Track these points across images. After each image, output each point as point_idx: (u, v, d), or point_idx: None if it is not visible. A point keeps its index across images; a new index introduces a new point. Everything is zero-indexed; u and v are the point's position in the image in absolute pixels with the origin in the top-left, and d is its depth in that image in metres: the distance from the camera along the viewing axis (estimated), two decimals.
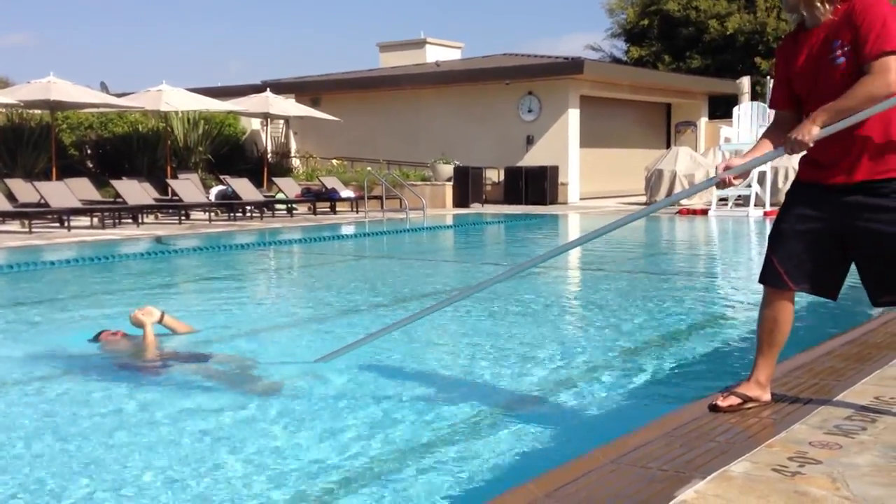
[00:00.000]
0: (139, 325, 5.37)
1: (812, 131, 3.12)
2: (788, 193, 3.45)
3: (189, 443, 3.69)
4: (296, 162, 25.61)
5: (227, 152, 23.82)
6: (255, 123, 24.83)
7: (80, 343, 5.54)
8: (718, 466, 2.76)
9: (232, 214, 17.29)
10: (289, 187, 19.07)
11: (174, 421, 3.96)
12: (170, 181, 17.61)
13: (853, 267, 3.32)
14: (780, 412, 3.34)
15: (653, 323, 6.41)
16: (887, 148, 3.14)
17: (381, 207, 18.78)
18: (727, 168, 3.40)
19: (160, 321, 5.47)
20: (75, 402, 4.40)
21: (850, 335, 4.78)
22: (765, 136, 3.46)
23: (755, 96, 21.86)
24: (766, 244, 3.41)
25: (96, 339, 5.49)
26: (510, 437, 3.69)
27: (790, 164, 17.25)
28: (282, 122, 25.53)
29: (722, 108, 27.20)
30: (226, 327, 6.36)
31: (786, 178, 17.69)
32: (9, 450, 3.63)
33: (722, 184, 3.40)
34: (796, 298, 3.45)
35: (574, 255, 12.62)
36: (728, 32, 30.32)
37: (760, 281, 3.42)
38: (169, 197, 17.27)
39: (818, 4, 3.19)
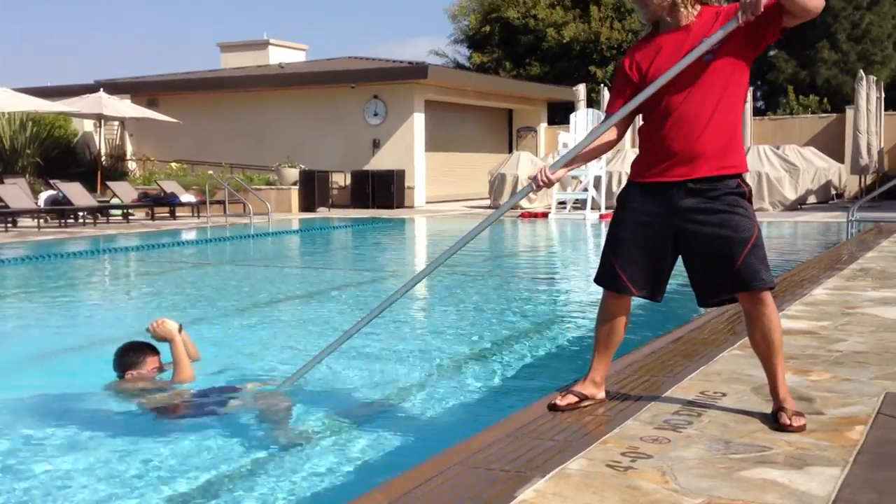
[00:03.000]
0: (166, 337, 4.37)
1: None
2: (622, 197, 3.50)
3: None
4: (132, 165, 24.65)
5: (58, 155, 22.66)
6: (89, 125, 23.71)
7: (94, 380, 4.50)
8: (557, 465, 2.86)
9: (63, 221, 16.45)
10: (125, 192, 18.33)
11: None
12: None
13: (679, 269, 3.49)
14: (614, 409, 3.49)
15: (496, 325, 6.56)
16: (729, 147, 3.28)
17: (224, 212, 18.33)
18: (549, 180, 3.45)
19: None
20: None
21: (678, 333, 5.04)
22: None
23: (590, 103, 22.74)
24: (605, 248, 3.48)
25: (129, 367, 4.40)
26: (356, 445, 3.69)
27: (623, 168, 18.05)
28: (117, 123, 24.50)
29: (560, 114, 28.12)
30: (55, 347, 6.05)
31: (619, 182, 18.50)
32: None
33: (545, 184, 3.45)
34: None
35: (421, 260, 12.76)
36: (565, 41, 31.35)
37: (601, 284, 3.49)
38: None
39: (682, 9, 3.30)
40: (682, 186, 3.30)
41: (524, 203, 20.35)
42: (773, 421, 3.25)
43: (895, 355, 4.37)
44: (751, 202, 3.35)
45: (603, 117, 3.56)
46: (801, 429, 3.17)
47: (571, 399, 3.52)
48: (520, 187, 20.47)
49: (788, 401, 3.30)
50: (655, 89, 3.26)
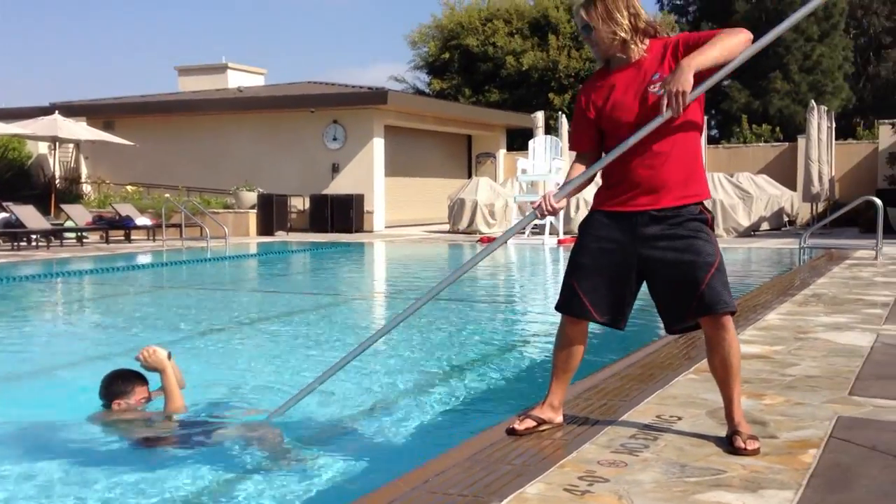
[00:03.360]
0: (158, 367, 4.18)
1: (689, 78, 3.18)
2: (584, 225, 3.53)
3: None
4: (87, 188, 24.34)
5: (11, 178, 22.35)
6: (43, 147, 23.42)
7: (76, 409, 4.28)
8: (514, 489, 2.86)
9: (16, 244, 16.17)
10: (79, 215, 18.08)
11: None
12: None
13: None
14: (572, 433, 3.51)
15: (455, 349, 6.56)
16: (691, 177, 3.35)
17: (181, 236, 18.15)
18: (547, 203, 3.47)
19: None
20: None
21: (634, 357, 5.07)
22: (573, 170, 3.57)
23: (548, 130, 22.95)
24: (567, 275, 3.49)
25: (117, 396, 4.20)
26: (313, 472, 3.66)
27: (582, 195, 18.21)
28: (72, 146, 24.20)
29: (518, 140, 28.37)
30: (18, 372, 5.92)
31: (577, 208, 18.66)
32: None
33: (548, 212, 3.48)
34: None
35: (380, 283, 12.74)
36: (523, 69, 31.69)
37: (562, 311, 3.51)
38: None
39: (632, 46, 3.38)
40: (646, 214, 3.35)
41: (483, 228, 20.44)
42: (728, 444, 3.29)
43: (847, 379, 4.44)
44: (713, 228, 3.41)
45: (560, 145, 3.61)
46: (755, 452, 3.21)
47: (529, 423, 3.53)
48: (479, 213, 20.57)
49: (743, 425, 3.34)
50: (641, 137, 3.30)
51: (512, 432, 3.50)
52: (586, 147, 3.54)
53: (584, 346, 3.56)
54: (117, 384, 4.23)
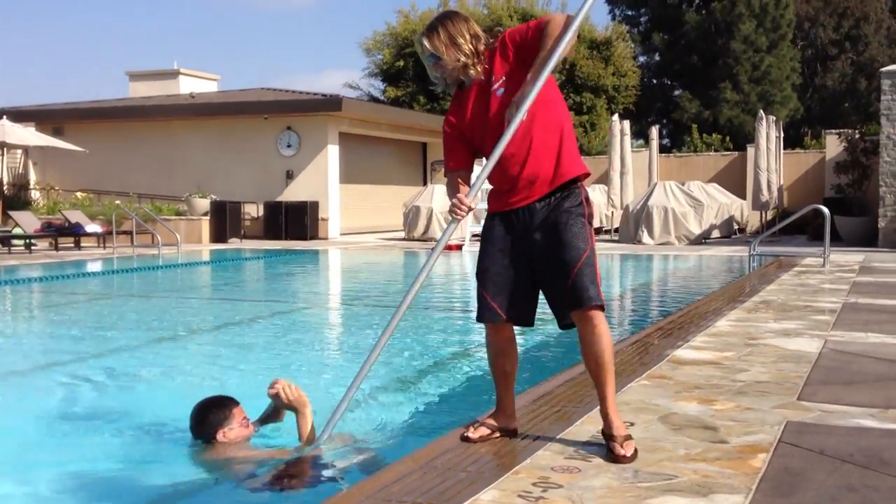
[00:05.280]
0: (297, 406, 3.79)
1: (527, 89, 3.29)
2: (484, 230, 3.56)
3: None
4: (36, 194, 23.89)
5: None
6: None
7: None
8: (469, 496, 2.85)
9: None
10: (27, 221, 17.72)
11: None
12: None
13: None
14: (526, 439, 3.52)
15: (407, 358, 6.54)
16: (558, 163, 3.39)
17: (132, 243, 17.89)
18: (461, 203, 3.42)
19: None
20: None
21: None
22: (452, 186, 3.53)
23: None
24: (477, 284, 3.52)
25: (218, 426, 3.81)
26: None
27: None
28: (20, 151, 23.75)
29: None
30: None
31: None
32: None
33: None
34: (538, 331, 3.65)
35: (335, 290, 12.68)
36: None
37: (478, 320, 3.52)
38: None
39: (471, 71, 3.47)
40: (527, 208, 3.42)
41: (438, 235, 20.46)
42: (608, 452, 3.24)
43: (795, 385, 4.51)
44: (590, 223, 3.43)
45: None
46: (634, 456, 3.21)
47: (483, 431, 3.53)
48: (435, 220, 20.60)
49: (616, 426, 3.31)
50: (507, 140, 3.35)
51: (466, 440, 3.49)
52: (461, 165, 3.57)
53: (514, 348, 3.57)
54: (213, 413, 3.87)
